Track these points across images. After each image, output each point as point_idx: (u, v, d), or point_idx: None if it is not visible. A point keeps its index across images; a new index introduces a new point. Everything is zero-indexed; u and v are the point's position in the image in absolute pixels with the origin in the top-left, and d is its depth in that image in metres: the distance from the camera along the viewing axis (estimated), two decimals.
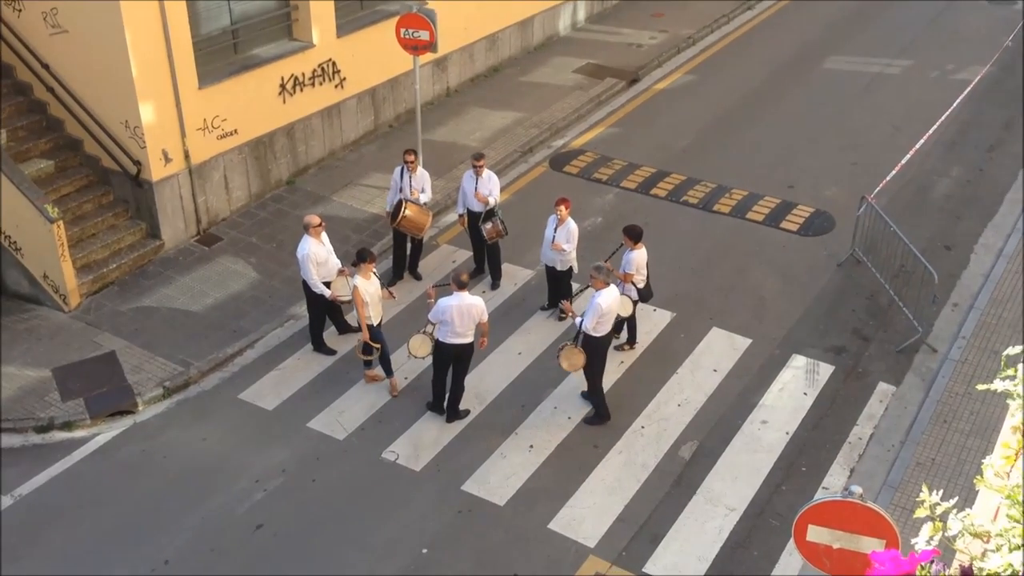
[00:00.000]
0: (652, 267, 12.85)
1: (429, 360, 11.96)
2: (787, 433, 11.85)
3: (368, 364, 12.52)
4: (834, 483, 11.11)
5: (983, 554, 2.89)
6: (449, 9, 18.03)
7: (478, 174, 13.88)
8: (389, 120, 18.62)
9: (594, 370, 11.77)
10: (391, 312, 13.36)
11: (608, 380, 12.38)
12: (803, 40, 22.78)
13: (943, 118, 17.40)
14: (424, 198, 13.98)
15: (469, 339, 11.49)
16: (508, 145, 18.12)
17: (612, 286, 11.51)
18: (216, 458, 11.57)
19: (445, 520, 10.72)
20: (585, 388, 12.14)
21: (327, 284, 12.57)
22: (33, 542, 10.46)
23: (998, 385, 3.46)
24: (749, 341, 13.32)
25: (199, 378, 12.78)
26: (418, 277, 14.50)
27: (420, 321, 12.03)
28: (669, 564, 10.20)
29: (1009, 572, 2.67)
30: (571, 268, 13.27)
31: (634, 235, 12.35)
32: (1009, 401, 3.46)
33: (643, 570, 10.13)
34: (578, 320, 11.58)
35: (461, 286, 11.26)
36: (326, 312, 13.01)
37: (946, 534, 2.97)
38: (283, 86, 16.21)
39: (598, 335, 11.49)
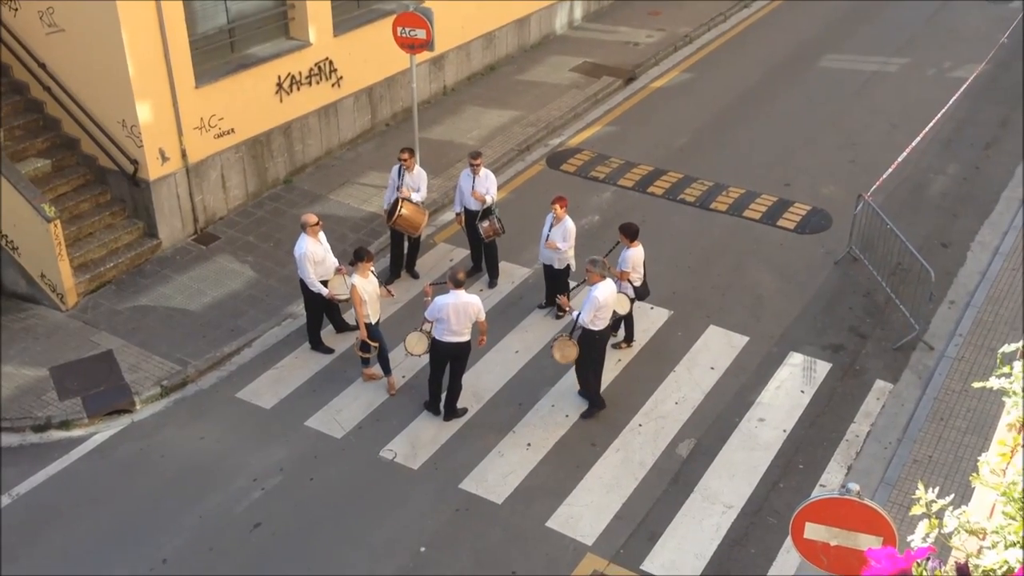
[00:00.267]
0: (649, 265, 12.86)
1: (426, 358, 11.97)
2: (784, 431, 11.87)
3: (366, 362, 12.53)
4: (831, 480, 11.13)
5: (979, 551, 2.90)
6: (446, 8, 18.02)
7: (475, 172, 13.88)
8: (386, 119, 18.62)
9: (590, 365, 11.78)
10: (389, 310, 13.37)
11: (606, 378, 12.39)
12: (800, 38, 22.80)
13: (939, 116, 17.42)
14: (417, 197, 13.92)
15: (466, 337, 11.50)
16: (505, 143, 18.12)
17: (608, 280, 11.54)
18: (214, 457, 11.57)
19: (443, 518, 10.73)
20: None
21: (324, 283, 12.58)
22: (31, 541, 10.46)
23: (994, 382, 3.47)
24: (746, 339, 13.34)
25: (197, 377, 12.78)
26: (415, 275, 14.51)
27: (418, 319, 12.03)
28: (667, 562, 10.22)
29: (1005, 569, 2.68)
30: (568, 267, 13.27)
31: (630, 233, 12.37)
32: (1005, 398, 3.47)
33: (641, 568, 10.15)
34: (575, 314, 11.60)
35: (458, 284, 11.27)
36: (324, 311, 13.02)
37: (942, 531, 2.98)
38: (280, 85, 16.21)
39: (595, 329, 11.51)
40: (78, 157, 14.95)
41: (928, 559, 2.61)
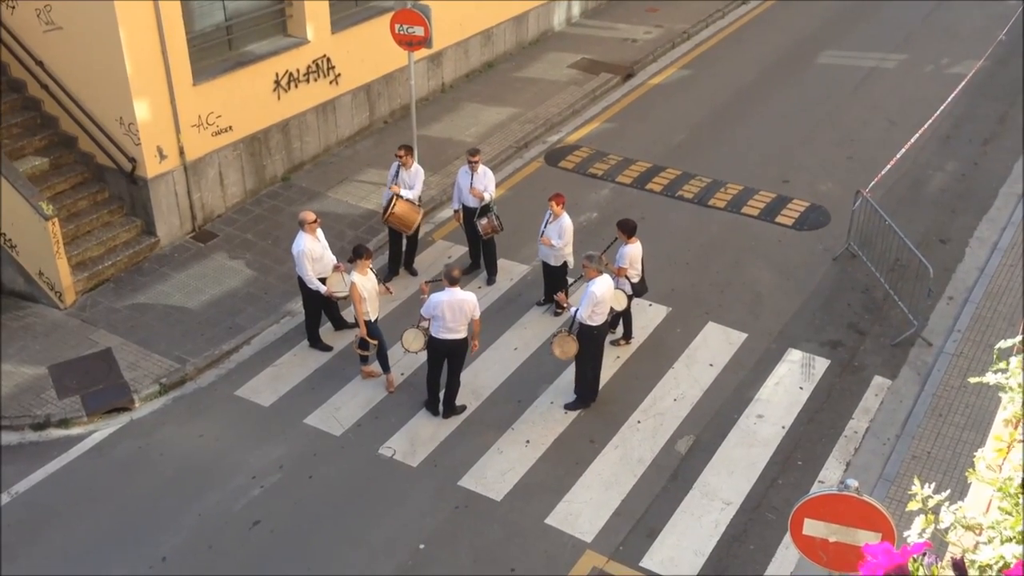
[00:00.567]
0: (648, 262, 12.87)
1: (424, 355, 11.97)
2: (783, 427, 11.88)
3: (365, 360, 12.53)
4: (830, 477, 11.14)
5: (975, 546, 2.91)
6: (444, 5, 17.99)
7: (473, 170, 13.88)
8: (384, 116, 18.61)
9: (588, 360, 11.79)
10: (388, 308, 13.37)
11: (604, 375, 12.40)
12: (798, 35, 22.78)
13: (938, 112, 17.42)
14: (409, 195, 13.87)
15: (461, 334, 11.50)
16: (503, 141, 18.11)
17: (605, 275, 11.55)
18: (213, 455, 11.57)
19: (442, 516, 10.74)
20: None
21: (323, 280, 12.58)
22: (30, 540, 10.46)
23: (990, 378, 3.48)
24: (745, 336, 13.34)
25: (195, 375, 12.78)
26: (414, 273, 14.51)
27: (416, 317, 12.03)
28: (666, 558, 10.23)
29: (1001, 564, 2.68)
30: (565, 263, 13.27)
31: (628, 229, 12.37)
32: (1002, 394, 3.47)
33: (640, 564, 10.16)
34: (573, 310, 11.61)
35: (453, 282, 11.28)
36: (322, 308, 13.02)
37: (938, 527, 2.99)
38: (278, 82, 16.19)
39: (593, 324, 11.52)
40: (76, 155, 14.94)
41: (924, 554, 2.62)
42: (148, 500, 10.97)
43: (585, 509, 10.79)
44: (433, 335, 11.50)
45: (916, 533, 2.91)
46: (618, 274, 12.41)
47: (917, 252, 13.19)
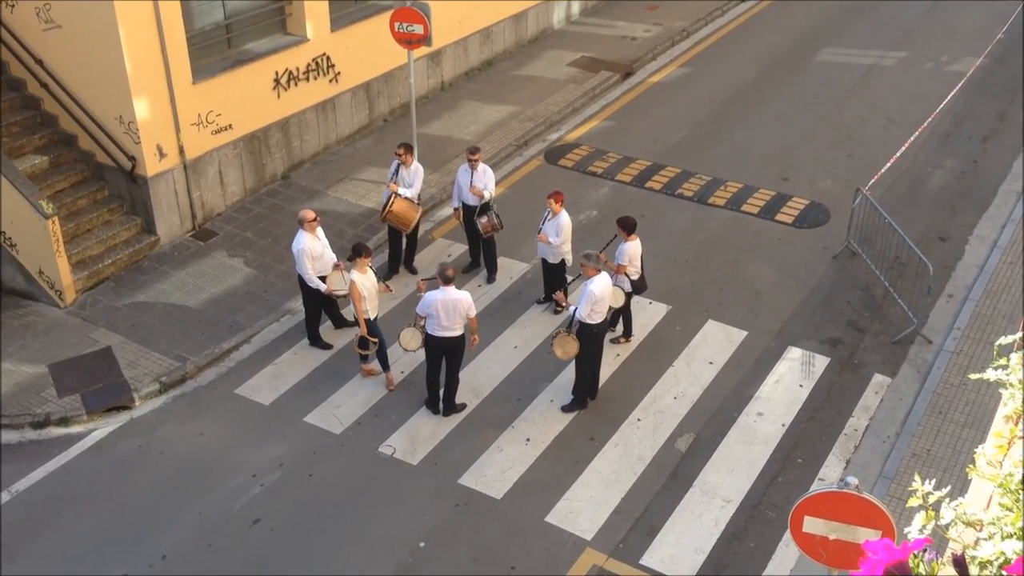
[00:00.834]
0: (647, 260, 12.87)
1: (423, 354, 11.97)
2: (783, 425, 11.88)
3: (365, 358, 12.53)
4: (830, 474, 11.14)
5: (976, 542, 2.91)
6: (443, 3, 17.99)
7: (473, 168, 13.88)
8: (384, 114, 18.60)
9: (588, 359, 11.79)
10: (387, 306, 13.37)
11: (604, 373, 12.40)
12: (797, 33, 22.78)
13: (937, 110, 17.42)
14: (407, 193, 13.87)
15: (457, 332, 11.50)
16: (503, 139, 18.11)
17: (603, 273, 11.55)
18: (213, 453, 11.58)
19: (442, 514, 10.74)
20: None
21: (323, 279, 12.58)
22: (30, 539, 10.46)
23: (990, 374, 3.48)
24: (745, 333, 13.34)
25: (195, 373, 12.78)
26: (414, 271, 14.50)
27: (415, 315, 12.02)
28: (666, 556, 10.23)
29: (1001, 560, 2.69)
30: (563, 261, 13.28)
31: (628, 226, 12.37)
32: (1002, 390, 3.47)
33: (640, 562, 10.16)
34: (572, 309, 11.62)
35: (447, 281, 11.28)
36: (322, 307, 13.02)
37: (939, 523, 2.99)
38: (277, 81, 16.19)
39: (592, 323, 11.52)
40: (76, 153, 14.93)
41: (925, 551, 2.62)
42: (148, 498, 10.97)
43: (585, 507, 10.80)
44: (429, 333, 11.51)
45: (917, 529, 2.92)
46: (617, 271, 12.41)
47: (917, 250, 13.19)
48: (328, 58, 16.98)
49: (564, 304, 12.21)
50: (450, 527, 10.58)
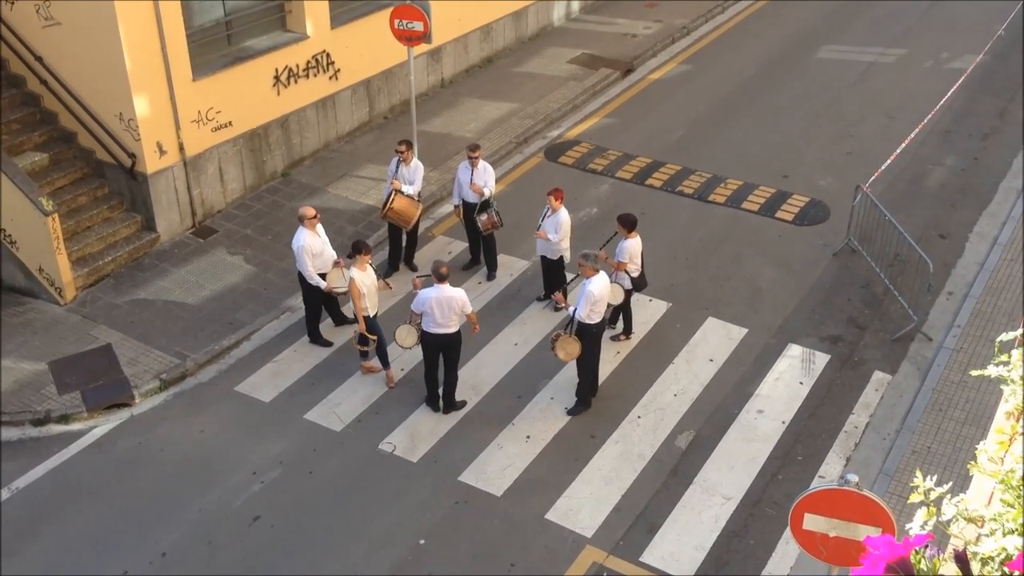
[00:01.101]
0: (647, 257, 12.86)
1: (421, 351, 11.96)
2: (783, 422, 11.88)
3: (365, 356, 12.53)
4: (830, 472, 11.14)
5: (977, 538, 2.91)
6: (443, 0, 17.97)
7: (473, 165, 13.88)
8: (384, 111, 18.59)
9: (589, 359, 11.78)
10: (387, 304, 13.36)
11: (604, 370, 12.40)
12: (797, 30, 22.77)
13: (937, 107, 17.41)
14: (410, 190, 13.89)
15: (452, 329, 11.49)
16: (503, 136, 18.10)
17: (602, 273, 11.54)
18: (213, 450, 11.58)
19: (442, 511, 10.74)
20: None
21: (323, 276, 12.58)
22: (30, 536, 10.46)
23: (992, 371, 3.48)
24: (745, 331, 13.34)
25: (195, 370, 12.78)
26: (414, 269, 14.49)
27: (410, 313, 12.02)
28: (666, 553, 10.23)
29: (1003, 556, 2.69)
30: (562, 258, 13.29)
31: (628, 223, 12.37)
32: (1003, 387, 3.47)
33: (640, 559, 10.16)
34: (571, 309, 11.61)
35: (441, 278, 11.27)
36: (322, 304, 13.01)
37: (940, 519, 2.99)
38: (277, 78, 16.18)
39: (592, 323, 11.51)
40: (75, 151, 14.93)
41: (926, 546, 2.62)
42: (148, 496, 10.98)
43: (585, 504, 10.80)
44: (425, 330, 11.52)
45: (918, 525, 2.92)
46: (617, 268, 12.41)
47: (917, 247, 13.18)
48: (328, 55, 16.97)
49: (563, 304, 12.20)
50: (450, 524, 10.58)
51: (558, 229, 12.96)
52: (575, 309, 11.50)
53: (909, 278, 13.67)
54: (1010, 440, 3.36)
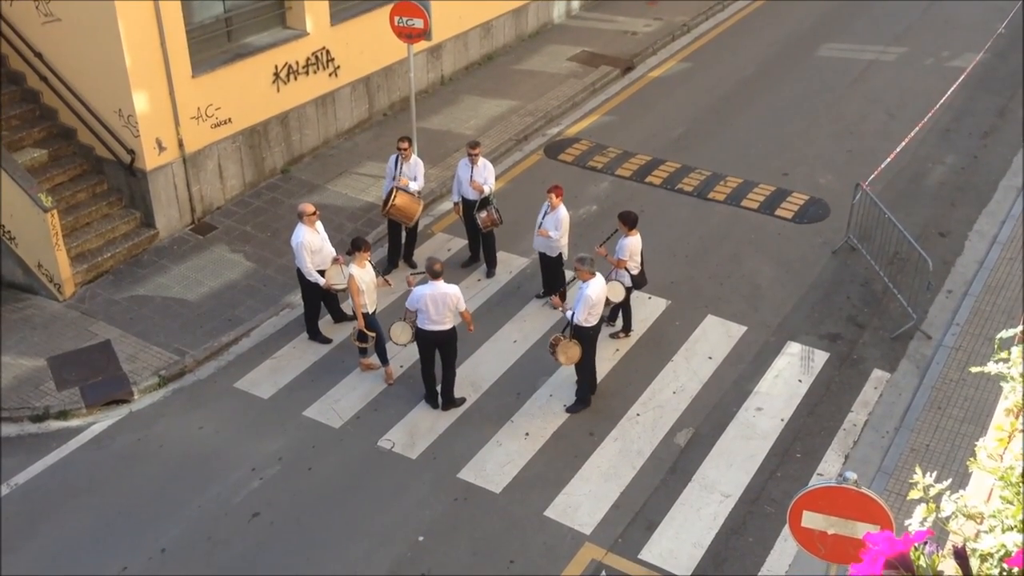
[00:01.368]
0: (647, 255, 12.86)
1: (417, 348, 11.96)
2: (782, 420, 11.89)
3: (363, 352, 12.53)
4: (829, 469, 11.15)
5: (976, 535, 2.91)
6: None
7: (473, 162, 13.87)
8: (383, 108, 18.58)
9: (586, 359, 11.78)
10: (386, 301, 13.36)
11: (603, 368, 12.40)
12: (797, 28, 22.76)
13: (937, 106, 17.40)
14: (414, 186, 13.94)
15: (447, 326, 11.49)
16: (503, 133, 18.09)
17: (599, 275, 11.52)
18: (212, 447, 11.58)
19: (441, 508, 10.74)
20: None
21: (322, 272, 12.57)
22: (29, 532, 10.46)
23: (991, 368, 3.48)
24: (744, 328, 13.34)
25: (194, 367, 12.78)
26: (413, 266, 14.48)
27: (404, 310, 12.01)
28: (665, 551, 10.24)
29: (1002, 552, 2.69)
30: (561, 255, 13.29)
31: (629, 221, 12.37)
32: (1003, 384, 3.47)
33: (639, 557, 10.17)
34: (569, 313, 11.58)
35: (435, 275, 11.28)
36: (321, 301, 13.01)
37: (939, 516, 2.99)
38: (277, 75, 16.17)
39: (589, 326, 11.52)
40: (75, 147, 14.92)
41: (926, 543, 2.62)
42: (147, 492, 10.98)
43: (584, 501, 10.80)
44: (420, 327, 11.52)
45: (917, 522, 2.91)
46: (618, 266, 12.41)
47: (916, 245, 13.18)
48: (328, 52, 16.96)
49: (561, 308, 12.15)
50: (449, 521, 10.59)
51: (558, 226, 12.97)
52: (573, 313, 11.48)
53: (908, 276, 13.67)
54: (1009, 437, 3.36)
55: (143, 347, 12.95)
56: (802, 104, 19.31)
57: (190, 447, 11.59)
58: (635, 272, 12.57)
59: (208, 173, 15.48)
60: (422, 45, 16.76)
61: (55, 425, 11.90)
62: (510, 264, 14.60)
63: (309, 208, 12.50)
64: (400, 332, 11.76)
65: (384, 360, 12.39)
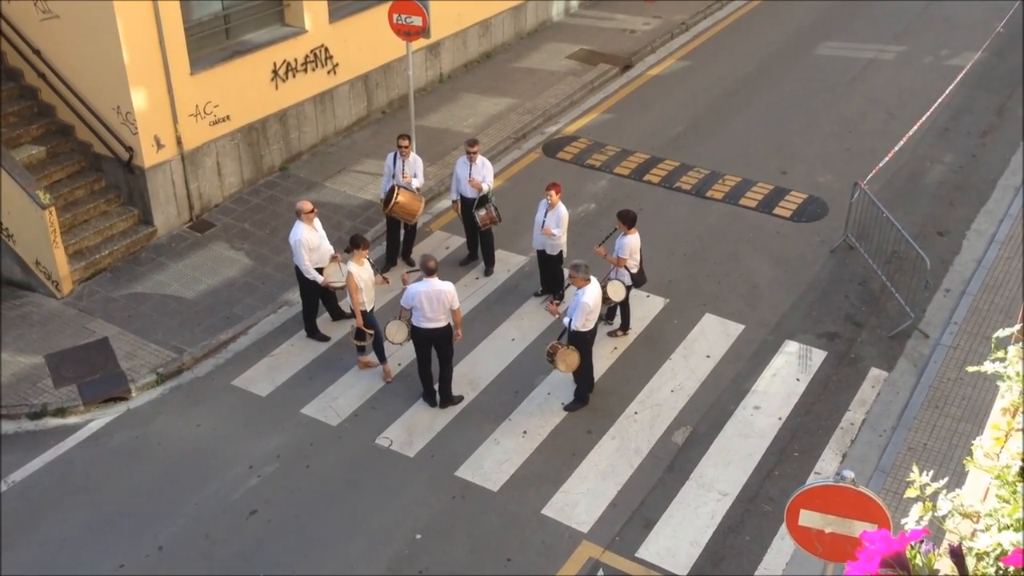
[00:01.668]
0: (645, 253, 12.87)
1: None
2: (779, 419, 11.89)
3: (361, 350, 12.53)
4: (826, 468, 11.16)
5: (972, 534, 2.91)
6: None
7: (472, 160, 13.87)
8: (382, 106, 18.57)
9: (584, 359, 11.77)
10: (384, 298, 13.35)
11: (602, 366, 12.41)
12: (796, 26, 22.75)
13: (936, 104, 17.41)
14: (416, 184, 13.99)
15: (442, 323, 11.49)
16: (501, 131, 18.09)
17: (594, 281, 11.50)
18: (210, 444, 11.57)
19: (439, 506, 10.74)
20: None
21: (320, 270, 12.57)
22: (27, 529, 10.45)
23: (988, 367, 3.47)
24: (742, 327, 13.34)
25: (192, 364, 12.77)
26: (412, 264, 14.47)
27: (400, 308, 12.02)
28: (662, 549, 10.24)
29: (998, 551, 2.69)
30: (561, 252, 13.29)
31: (628, 220, 12.38)
32: (999, 383, 3.47)
33: (636, 555, 10.17)
34: (566, 320, 11.55)
35: (429, 272, 11.27)
36: (319, 298, 13.01)
37: (936, 514, 2.99)
38: (275, 72, 16.15)
39: (586, 330, 11.52)
40: (73, 144, 14.90)
41: (922, 541, 2.62)
42: (145, 489, 10.97)
43: (582, 500, 10.80)
44: (415, 325, 11.51)
45: (914, 520, 2.92)
46: (618, 265, 12.42)
47: (915, 244, 13.19)
48: (326, 49, 16.95)
49: (557, 315, 12.09)
50: (447, 519, 10.59)
51: (559, 223, 12.98)
52: (570, 321, 11.47)
53: (906, 275, 13.68)
54: (1006, 436, 3.36)
55: (141, 344, 12.94)
56: (801, 103, 19.31)
57: (188, 445, 11.58)
58: (634, 270, 12.57)
59: (206, 170, 15.47)
60: (421, 43, 16.75)
61: (53, 422, 11.90)
62: (508, 262, 14.60)
63: (307, 206, 12.49)
64: (396, 331, 11.76)
65: (382, 358, 12.39)
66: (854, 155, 17.28)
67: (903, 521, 2.99)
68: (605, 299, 12.27)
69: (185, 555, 10.17)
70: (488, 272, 14.35)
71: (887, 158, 15.57)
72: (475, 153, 13.86)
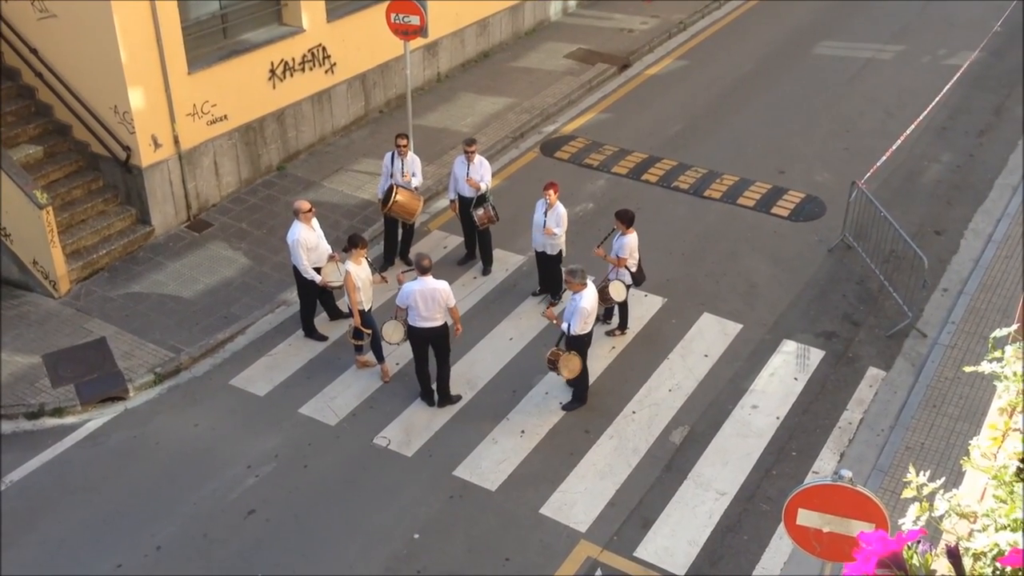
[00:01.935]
0: (643, 253, 12.87)
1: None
2: (777, 418, 11.90)
3: (359, 350, 12.52)
4: (824, 467, 11.16)
5: (969, 534, 2.91)
6: None
7: (469, 160, 13.86)
8: (380, 105, 18.56)
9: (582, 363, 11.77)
10: (382, 298, 13.35)
11: (599, 366, 12.41)
12: (794, 25, 22.76)
13: (934, 104, 17.41)
14: (415, 183, 13.99)
15: (438, 322, 11.48)
16: (499, 131, 18.08)
17: (590, 285, 11.48)
18: (208, 444, 11.57)
19: (437, 505, 10.74)
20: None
21: (318, 270, 12.56)
22: (25, 528, 10.44)
23: (985, 367, 3.47)
24: (740, 326, 13.35)
25: (190, 364, 12.76)
26: (410, 263, 14.47)
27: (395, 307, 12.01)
28: (660, 548, 10.24)
29: (995, 552, 2.69)
30: (560, 252, 13.29)
31: (627, 219, 12.38)
32: (996, 383, 3.47)
33: (634, 554, 10.18)
34: (564, 326, 11.53)
35: (423, 271, 11.26)
36: (317, 298, 13.00)
37: (933, 515, 2.99)
38: (273, 71, 16.14)
39: (584, 334, 11.51)
40: (70, 143, 14.89)
41: (919, 542, 2.62)
42: (142, 489, 10.96)
43: (580, 499, 10.80)
44: (411, 324, 11.50)
45: (911, 521, 2.92)
46: (618, 264, 12.42)
47: (912, 243, 13.20)
48: (324, 49, 16.94)
49: (555, 321, 12.06)
50: (445, 519, 10.59)
51: (560, 223, 12.98)
52: (568, 327, 11.45)
53: (904, 274, 13.69)
54: (1003, 436, 3.35)
55: (138, 344, 12.93)
56: (799, 102, 19.31)
57: (185, 444, 11.58)
58: (633, 270, 12.58)
59: (204, 170, 15.46)
60: (418, 42, 16.74)
61: (50, 422, 11.89)
62: (506, 262, 14.59)
63: (305, 205, 12.49)
64: (392, 331, 11.76)
65: (380, 357, 12.39)
66: (852, 154, 17.28)
67: (901, 521, 2.99)
68: (607, 300, 12.28)
69: (183, 555, 10.17)
70: (486, 271, 14.35)
71: (885, 157, 15.58)
72: (473, 152, 13.86)
